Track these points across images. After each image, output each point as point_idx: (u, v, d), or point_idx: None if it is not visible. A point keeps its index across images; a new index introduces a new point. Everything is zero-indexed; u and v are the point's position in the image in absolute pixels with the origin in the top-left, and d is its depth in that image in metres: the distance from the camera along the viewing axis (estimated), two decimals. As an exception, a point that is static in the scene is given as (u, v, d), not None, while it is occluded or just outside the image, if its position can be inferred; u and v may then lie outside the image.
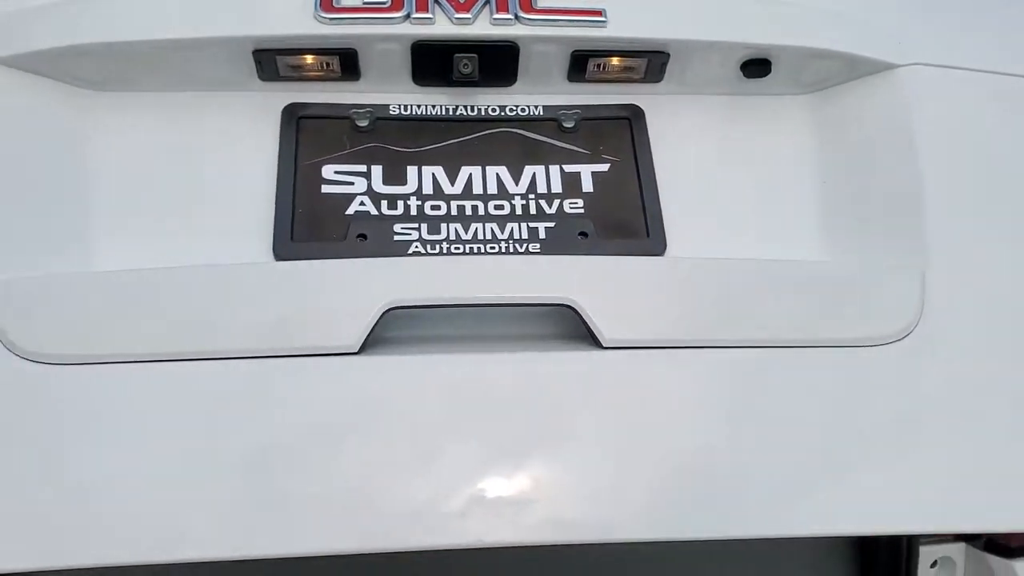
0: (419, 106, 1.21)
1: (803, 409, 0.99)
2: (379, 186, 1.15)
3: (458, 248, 1.10)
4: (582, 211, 1.15)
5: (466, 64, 1.17)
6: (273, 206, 1.12)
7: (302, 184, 1.13)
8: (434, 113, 1.21)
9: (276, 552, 0.90)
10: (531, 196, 1.16)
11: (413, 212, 1.13)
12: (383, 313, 0.98)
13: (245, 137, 1.18)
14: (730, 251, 1.14)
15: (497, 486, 0.93)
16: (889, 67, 1.21)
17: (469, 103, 1.22)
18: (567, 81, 1.23)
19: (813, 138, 1.23)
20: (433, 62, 1.17)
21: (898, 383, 1.02)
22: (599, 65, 1.21)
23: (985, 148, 1.17)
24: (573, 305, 1.00)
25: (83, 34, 1.12)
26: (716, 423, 0.98)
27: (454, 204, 1.14)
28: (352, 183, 1.15)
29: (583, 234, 1.13)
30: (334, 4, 1.14)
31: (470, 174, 1.17)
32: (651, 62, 1.20)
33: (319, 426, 0.94)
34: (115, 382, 0.96)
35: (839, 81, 1.24)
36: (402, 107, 1.21)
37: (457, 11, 1.14)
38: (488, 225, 1.12)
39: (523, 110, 1.22)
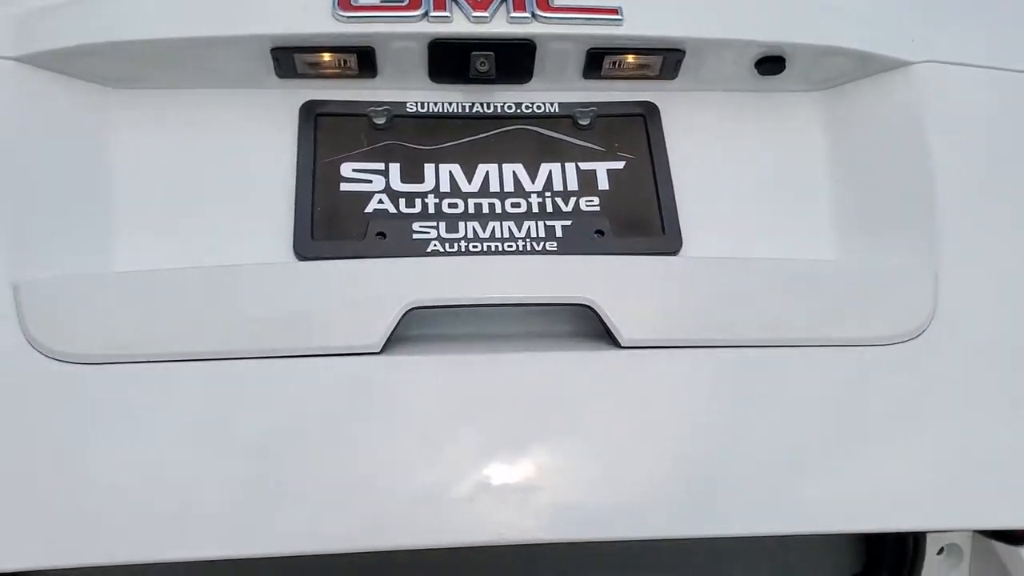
0: (435, 103, 1.22)
1: (818, 408, 1.01)
2: (397, 184, 1.16)
3: (476, 247, 1.11)
4: (598, 209, 1.16)
5: (483, 62, 1.17)
6: (293, 204, 1.13)
7: (321, 182, 1.14)
8: (450, 110, 1.22)
9: (302, 550, 0.92)
10: (547, 194, 1.17)
11: (431, 210, 1.14)
12: (404, 313, 0.99)
13: (263, 134, 1.19)
14: (744, 249, 1.15)
15: (520, 484, 0.94)
16: (902, 64, 1.22)
17: (485, 100, 1.23)
18: (582, 78, 1.23)
19: (826, 135, 1.24)
20: (450, 60, 1.18)
21: (911, 382, 1.03)
22: (615, 62, 1.21)
23: (998, 146, 1.18)
24: (592, 305, 1.01)
25: (103, 32, 1.12)
26: (733, 421, 1.00)
27: (471, 202, 1.15)
28: (370, 181, 1.15)
29: (599, 232, 1.14)
30: (352, 3, 1.14)
31: (487, 172, 1.18)
32: (666, 59, 1.21)
33: (344, 425, 0.95)
34: (138, 381, 0.98)
35: (852, 78, 1.25)
36: (419, 104, 1.21)
37: (474, 9, 1.15)
38: (505, 223, 1.13)
39: (539, 107, 1.23)
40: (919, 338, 1.05)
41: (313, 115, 1.19)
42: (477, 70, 1.18)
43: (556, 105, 1.23)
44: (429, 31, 1.14)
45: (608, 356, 1.00)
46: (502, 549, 0.99)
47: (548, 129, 1.21)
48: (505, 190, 1.16)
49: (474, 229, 1.12)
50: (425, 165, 1.17)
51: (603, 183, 1.18)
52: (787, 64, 1.22)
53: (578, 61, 1.20)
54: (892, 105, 1.22)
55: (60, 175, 1.11)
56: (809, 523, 0.97)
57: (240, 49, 1.15)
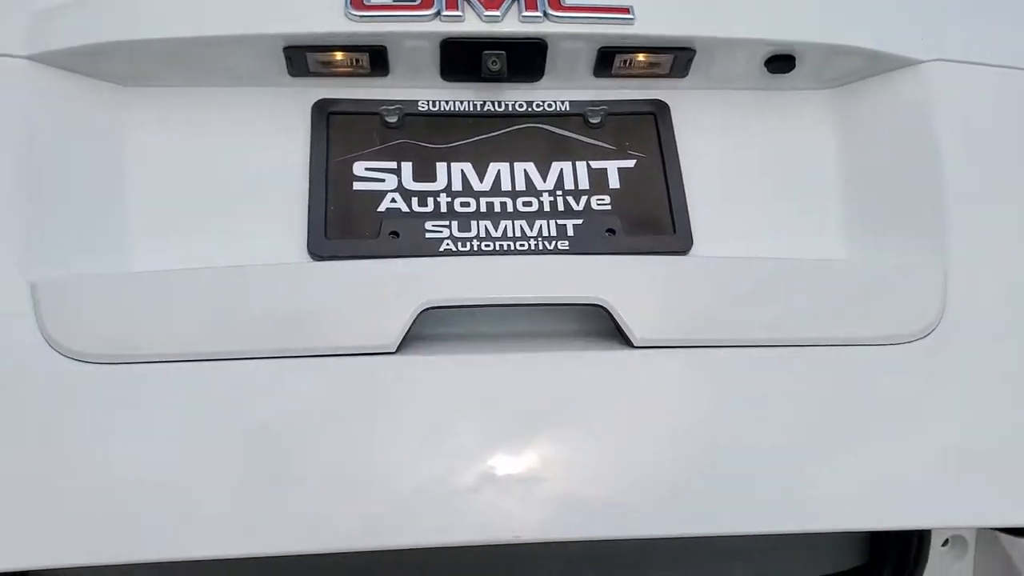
0: (447, 102, 1.22)
1: (828, 407, 1.02)
2: (409, 183, 1.16)
3: (488, 246, 1.12)
4: (609, 208, 1.17)
5: (494, 61, 1.18)
6: (306, 203, 1.13)
7: (334, 181, 1.15)
8: (462, 109, 1.22)
9: (317, 548, 0.93)
10: (559, 193, 1.17)
11: (443, 209, 1.15)
12: (419, 313, 1.00)
13: (276, 133, 1.19)
14: (754, 248, 1.16)
15: (537, 483, 0.96)
16: (912, 63, 1.23)
17: (496, 98, 1.23)
18: (593, 76, 1.24)
19: (835, 133, 1.25)
20: (462, 59, 1.19)
21: (920, 381, 1.05)
22: (625, 61, 1.22)
23: (1007, 145, 1.19)
24: (605, 305, 1.02)
25: (117, 31, 1.13)
26: (744, 420, 1.01)
27: (483, 201, 1.16)
28: (383, 180, 1.16)
29: (610, 231, 1.15)
30: (364, 2, 1.14)
31: (498, 170, 1.18)
32: (677, 58, 1.22)
33: (362, 424, 0.96)
34: (154, 381, 0.99)
35: (861, 76, 1.26)
36: (430, 103, 1.22)
37: (486, 8, 1.15)
38: (517, 222, 1.14)
39: (550, 105, 1.23)
40: (928, 337, 1.06)
41: (325, 114, 1.19)
42: (489, 69, 1.18)
43: (567, 103, 1.23)
44: (441, 30, 1.15)
45: (621, 356, 1.01)
46: (510, 548, 1.00)
47: (559, 127, 1.22)
48: (517, 189, 1.17)
49: (486, 228, 1.13)
50: (437, 164, 1.18)
51: (614, 182, 1.19)
52: (797, 63, 1.23)
53: (589, 59, 1.21)
54: (901, 104, 1.22)
55: (74, 174, 1.11)
56: (821, 521, 0.99)
57: (253, 48, 1.15)
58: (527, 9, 1.15)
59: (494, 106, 1.23)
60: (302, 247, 1.11)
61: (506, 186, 1.17)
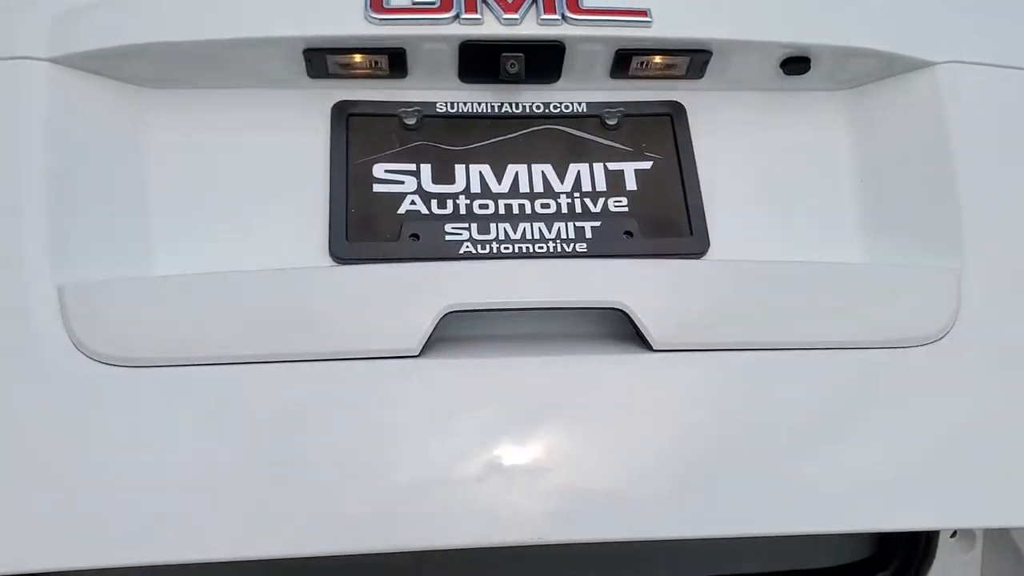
0: (465, 103, 1.23)
1: (844, 409, 1.04)
2: (428, 185, 1.17)
3: (507, 248, 1.13)
4: (626, 209, 1.18)
5: (513, 64, 1.19)
6: (327, 205, 1.15)
7: (354, 183, 1.16)
8: (479, 110, 1.23)
9: (344, 550, 0.95)
10: (576, 194, 1.19)
11: (462, 211, 1.16)
12: (442, 317, 1.01)
13: (296, 134, 1.20)
14: (770, 249, 1.18)
15: (559, 486, 0.97)
16: (926, 64, 1.23)
17: (514, 100, 1.24)
18: (609, 78, 1.25)
19: (850, 135, 1.26)
20: (480, 61, 1.19)
21: (934, 384, 1.06)
22: (642, 63, 1.23)
23: (1021, 146, 1.19)
24: (625, 309, 1.03)
25: (139, 34, 1.13)
26: (762, 423, 1.02)
27: (502, 203, 1.17)
28: (402, 182, 1.17)
29: (628, 233, 1.16)
30: (384, 5, 1.15)
31: (516, 172, 1.20)
32: (693, 60, 1.22)
33: (388, 426, 0.98)
34: (181, 385, 1.00)
35: (876, 78, 1.27)
36: (448, 105, 1.23)
37: (505, 12, 1.16)
38: (536, 225, 1.15)
39: (567, 107, 1.24)
40: (942, 340, 1.07)
41: (345, 115, 1.20)
42: (507, 71, 1.19)
43: (584, 105, 1.24)
44: (460, 33, 1.16)
45: (641, 359, 1.03)
46: (519, 550, 1.02)
47: (576, 129, 1.23)
48: (535, 191, 1.18)
49: (505, 231, 1.14)
50: (456, 166, 1.19)
51: (631, 183, 1.20)
52: (812, 64, 1.24)
53: (606, 61, 1.22)
54: (915, 105, 1.23)
55: (97, 176, 1.12)
56: (840, 522, 1.01)
57: (274, 50, 1.16)
58: (545, 12, 1.16)
59: (511, 107, 1.24)
60: (324, 249, 1.12)
61: (524, 188, 1.18)
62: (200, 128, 1.19)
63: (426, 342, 1.02)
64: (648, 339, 1.03)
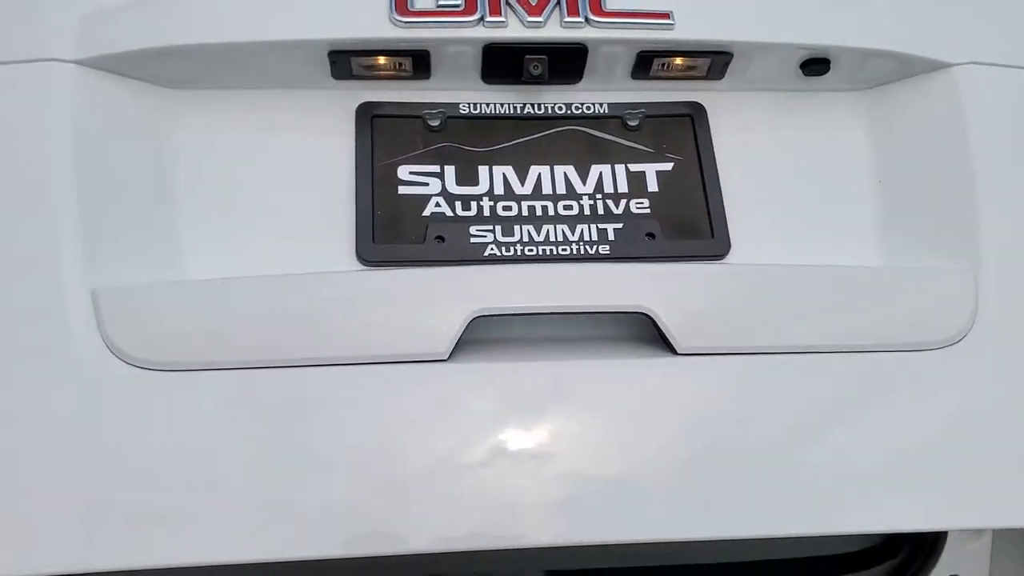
0: (488, 104, 1.24)
1: (865, 413, 1.06)
2: (453, 187, 1.19)
3: (531, 250, 1.15)
4: (648, 211, 1.19)
5: (536, 65, 1.20)
6: (353, 207, 1.16)
7: (380, 185, 1.17)
8: (502, 111, 1.24)
9: (374, 551, 0.98)
10: (598, 196, 1.20)
11: (486, 213, 1.17)
12: (470, 321, 1.03)
13: (320, 135, 1.21)
14: (790, 250, 1.19)
15: (587, 489, 1.00)
16: (944, 66, 1.24)
17: (536, 101, 1.25)
18: (631, 78, 1.26)
19: (869, 135, 1.28)
20: (503, 63, 1.20)
21: (952, 387, 1.08)
22: (664, 64, 1.24)
23: (1038, 148, 1.21)
24: (649, 313, 1.05)
25: (166, 36, 1.14)
26: (784, 425, 1.05)
27: (525, 205, 1.18)
28: (427, 184, 1.19)
29: (650, 235, 1.17)
30: (408, 7, 1.16)
31: (539, 174, 1.21)
32: (714, 62, 1.23)
33: (420, 430, 1.00)
34: (214, 388, 1.02)
35: (895, 79, 1.28)
36: (471, 106, 1.24)
37: (529, 14, 1.17)
38: (559, 227, 1.17)
39: (588, 108, 1.26)
40: (960, 343, 1.09)
41: (369, 117, 1.21)
42: (530, 73, 1.20)
43: (605, 106, 1.25)
44: (484, 36, 1.16)
45: (665, 363, 1.05)
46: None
47: (598, 130, 1.24)
48: (557, 192, 1.20)
49: (529, 233, 1.16)
50: (479, 167, 1.20)
51: (652, 185, 1.21)
52: (831, 66, 1.25)
53: (628, 63, 1.23)
54: (933, 106, 1.24)
55: (126, 178, 1.13)
56: (858, 523, 1.04)
57: (299, 52, 1.17)
58: (569, 15, 1.17)
59: (534, 108, 1.25)
60: (351, 252, 1.14)
61: (547, 189, 1.20)
62: (225, 129, 1.20)
63: (454, 346, 1.03)
64: (672, 343, 1.05)
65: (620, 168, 1.22)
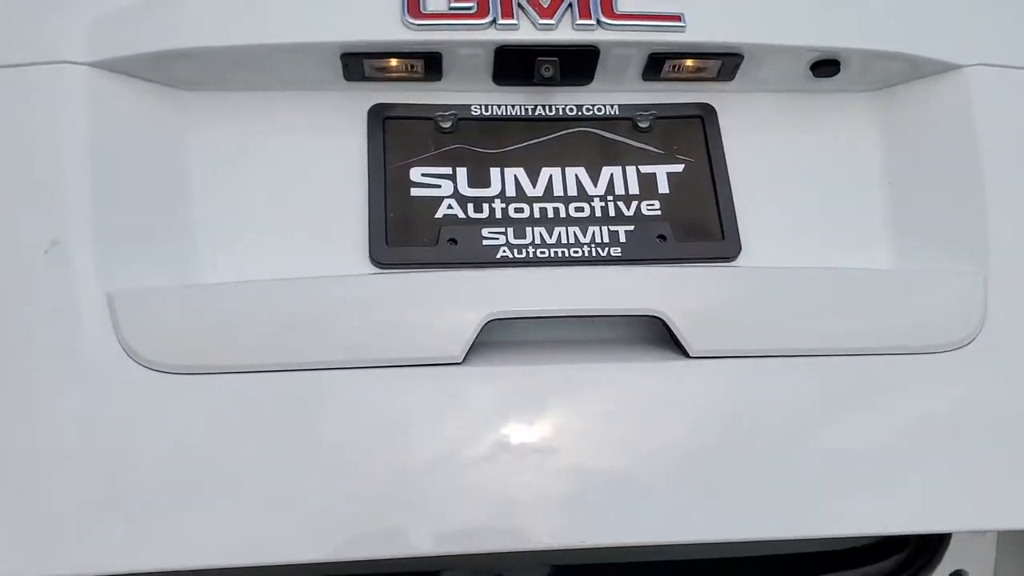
0: (499, 106, 1.25)
1: (874, 416, 1.07)
2: (464, 189, 1.19)
3: (543, 253, 1.16)
4: (659, 213, 1.20)
5: (547, 68, 1.20)
6: (366, 209, 1.17)
7: (392, 187, 1.18)
8: (513, 113, 1.25)
9: (388, 554, 0.99)
10: (609, 198, 1.21)
11: (498, 215, 1.18)
12: (484, 324, 1.04)
13: (332, 136, 1.22)
14: (799, 252, 1.20)
15: (601, 491, 1.01)
16: (954, 67, 1.25)
17: (547, 102, 1.26)
18: (641, 80, 1.26)
19: (878, 136, 1.28)
20: (515, 65, 1.21)
21: (961, 389, 1.09)
22: (674, 66, 1.24)
23: (1050, 150, 1.21)
24: (662, 317, 1.06)
25: (179, 38, 1.14)
26: (795, 428, 1.06)
27: (536, 207, 1.19)
28: (439, 186, 1.19)
29: (661, 237, 1.18)
30: (421, 10, 1.16)
31: (550, 176, 1.21)
32: (725, 63, 1.24)
33: (434, 432, 1.01)
34: (228, 391, 1.03)
35: (904, 80, 1.28)
36: (483, 107, 1.24)
37: (541, 17, 1.17)
38: (571, 229, 1.18)
39: (599, 109, 1.26)
40: (969, 345, 1.10)
41: (381, 118, 1.22)
42: (541, 75, 1.20)
43: (616, 107, 1.26)
44: (496, 39, 1.17)
45: (678, 366, 1.06)
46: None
47: (608, 131, 1.25)
48: (569, 194, 1.20)
49: (541, 235, 1.17)
50: (491, 169, 1.21)
51: (663, 186, 1.22)
52: (841, 67, 1.25)
53: (639, 64, 1.23)
54: (943, 108, 1.25)
55: (139, 180, 1.14)
56: (869, 526, 1.05)
57: (312, 55, 1.17)
58: (581, 17, 1.17)
59: (545, 110, 1.25)
60: (364, 254, 1.14)
61: (558, 191, 1.20)
62: (238, 131, 1.21)
63: (468, 349, 1.04)
64: (684, 346, 1.05)
65: (631, 170, 1.22)
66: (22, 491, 1.00)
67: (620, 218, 1.19)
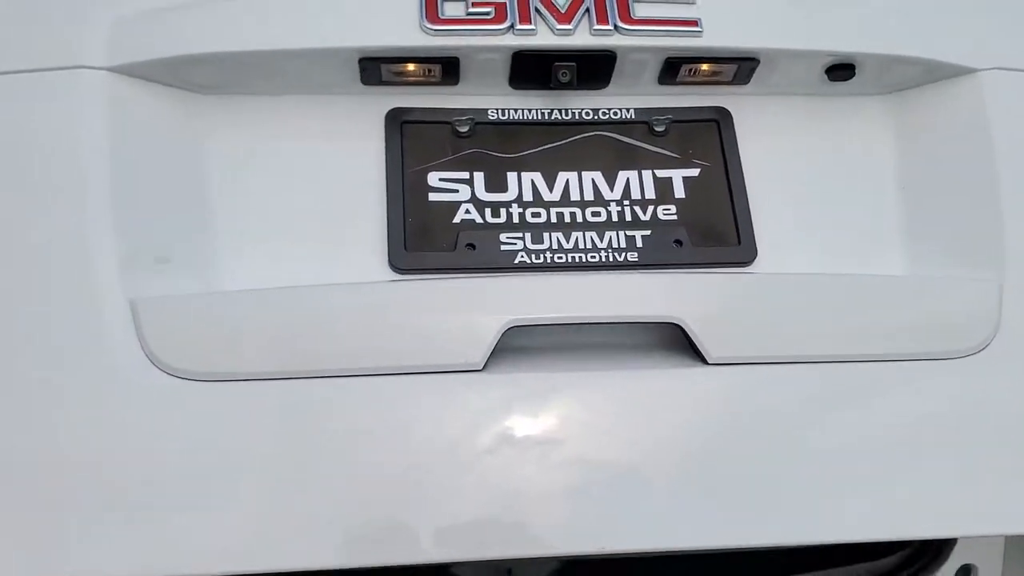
0: (516, 110, 1.25)
1: (890, 422, 1.08)
2: (482, 193, 1.20)
3: (560, 258, 1.17)
4: (675, 218, 1.21)
5: (565, 73, 1.20)
6: (384, 214, 1.17)
7: (410, 192, 1.18)
8: (530, 117, 1.25)
9: (412, 560, 1.00)
10: (626, 202, 1.21)
11: (516, 220, 1.19)
12: (504, 331, 1.05)
13: (350, 140, 1.22)
14: (814, 257, 1.21)
15: (621, 497, 1.02)
16: (969, 71, 1.25)
17: (563, 106, 1.26)
18: (657, 84, 1.27)
19: (893, 139, 1.29)
20: (532, 69, 1.21)
21: (975, 395, 1.10)
22: (691, 70, 1.25)
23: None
24: (681, 324, 1.07)
25: (198, 44, 1.14)
26: (813, 433, 1.07)
27: (553, 212, 1.20)
28: (457, 191, 1.20)
29: (678, 242, 1.19)
30: (439, 15, 1.16)
31: (567, 180, 1.22)
32: (741, 67, 1.24)
33: (457, 438, 1.02)
34: (251, 398, 1.03)
35: (919, 83, 1.28)
36: (499, 111, 1.25)
37: (559, 22, 1.17)
38: (588, 234, 1.18)
39: (615, 113, 1.26)
40: (983, 351, 1.11)
41: (399, 123, 1.22)
42: (558, 80, 1.21)
43: (632, 111, 1.26)
44: (514, 44, 1.17)
45: (697, 373, 1.07)
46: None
47: (624, 135, 1.25)
48: (585, 199, 1.21)
49: (558, 240, 1.17)
50: (508, 173, 1.21)
51: (679, 191, 1.22)
52: (857, 71, 1.25)
53: (655, 68, 1.24)
54: (958, 111, 1.25)
55: (159, 185, 1.15)
56: (881, 530, 1.06)
57: (330, 60, 1.17)
58: (598, 22, 1.17)
59: (561, 114, 1.26)
60: (383, 260, 1.15)
61: (575, 196, 1.21)
62: (255, 135, 1.21)
63: (489, 356, 1.05)
64: (703, 352, 1.07)
65: (647, 174, 1.23)
66: (45, 496, 1.00)
67: (636, 223, 1.20)
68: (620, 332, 1.15)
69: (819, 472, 1.06)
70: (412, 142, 1.21)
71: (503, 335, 1.07)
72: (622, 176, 1.22)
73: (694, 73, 1.25)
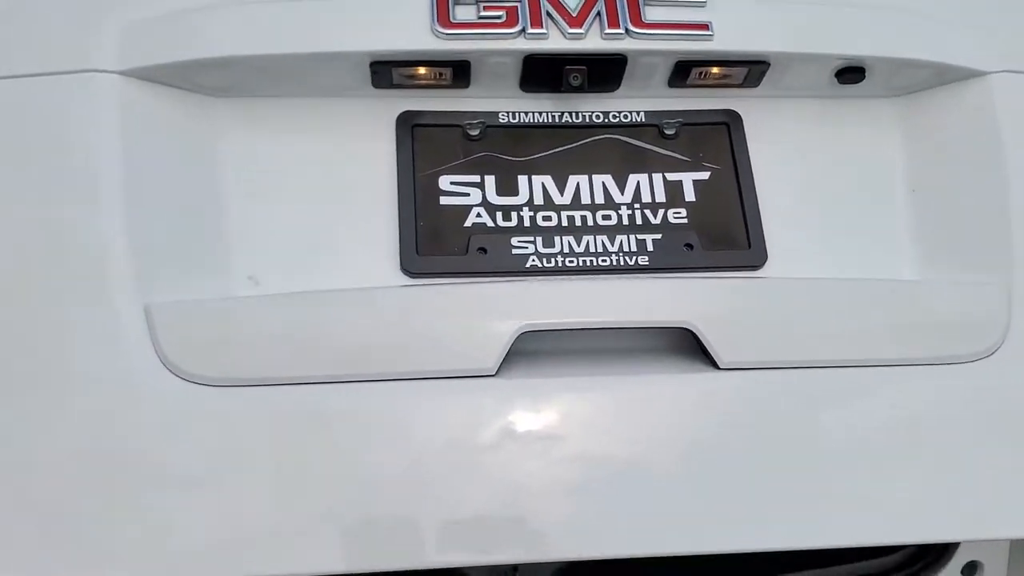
0: (526, 113, 1.25)
1: (900, 426, 1.09)
2: (493, 197, 1.20)
3: (572, 262, 1.17)
4: (686, 221, 1.21)
5: (576, 76, 1.21)
6: (396, 217, 1.17)
7: (422, 195, 1.19)
8: (540, 120, 1.26)
9: (425, 564, 1.01)
10: (636, 206, 1.22)
11: (527, 224, 1.19)
12: (517, 336, 1.06)
13: (361, 143, 1.23)
14: (824, 261, 1.22)
15: (633, 501, 1.03)
16: (979, 74, 1.25)
17: (573, 109, 1.26)
18: (667, 87, 1.27)
19: (903, 142, 1.29)
20: (542, 73, 1.21)
21: (985, 399, 1.11)
22: (701, 73, 1.25)
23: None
24: (693, 329, 1.07)
25: (210, 48, 1.15)
26: (824, 439, 1.08)
27: (564, 215, 1.20)
28: (468, 194, 1.20)
29: (688, 245, 1.19)
30: (451, 19, 1.16)
31: (577, 183, 1.22)
32: (751, 71, 1.24)
33: (473, 443, 1.03)
34: (266, 404, 1.04)
35: (929, 86, 1.29)
36: (510, 115, 1.25)
37: (570, 26, 1.17)
38: (599, 238, 1.19)
39: (626, 116, 1.27)
40: (993, 356, 1.12)
41: (410, 126, 1.22)
42: (569, 83, 1.21)
43: (642, 114, 1.27)
44: (525, 48, 1.17)
45: (708, 378, 1.07)
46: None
47: (635, 138, 1.25)
48: (596, 202, 1.21)
49: (569, 244, 1.18)
50: (518, 177, 1.22)
51: (689, 194, 1.23)
52: (866, 74, 1.26)
53: (666, 71, 1.24)
54: (967, 114, 1.26)
55: (173, 189, 1.15)
56: (891, 534, 1.07)
57: (341, 63, 1.17)
58: (610, 26, 1.17)
59: (572, 117, 1.26)
60: (395, 263, 1.15)
61: (585, 199, 1.21)
62: (268, 138, 1.21)
63: (502, 361, 1.05)
64: (715, 358, 1.07)
65: (657, 177, 1.23)
66: (61, 500, 1.01)
67: (647, 226, 1.20)
68: (632, 336, 1.15)
69: (833, 476, 1.06)
70: (423, 145, 1.22)
71: (516, 340, 1.07)
72: (632, 179, 1.23)
73: (704, 76, 1.25)
